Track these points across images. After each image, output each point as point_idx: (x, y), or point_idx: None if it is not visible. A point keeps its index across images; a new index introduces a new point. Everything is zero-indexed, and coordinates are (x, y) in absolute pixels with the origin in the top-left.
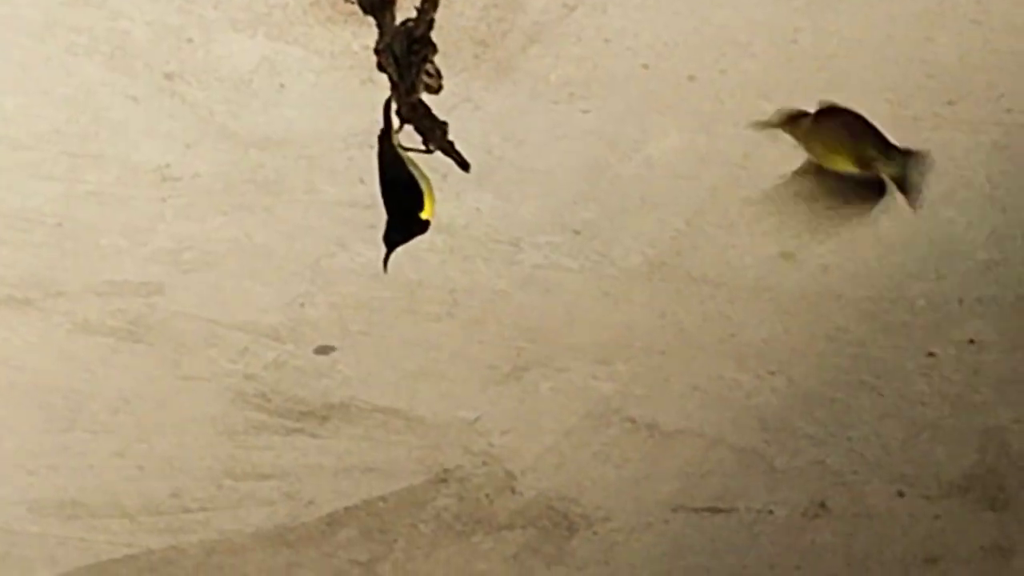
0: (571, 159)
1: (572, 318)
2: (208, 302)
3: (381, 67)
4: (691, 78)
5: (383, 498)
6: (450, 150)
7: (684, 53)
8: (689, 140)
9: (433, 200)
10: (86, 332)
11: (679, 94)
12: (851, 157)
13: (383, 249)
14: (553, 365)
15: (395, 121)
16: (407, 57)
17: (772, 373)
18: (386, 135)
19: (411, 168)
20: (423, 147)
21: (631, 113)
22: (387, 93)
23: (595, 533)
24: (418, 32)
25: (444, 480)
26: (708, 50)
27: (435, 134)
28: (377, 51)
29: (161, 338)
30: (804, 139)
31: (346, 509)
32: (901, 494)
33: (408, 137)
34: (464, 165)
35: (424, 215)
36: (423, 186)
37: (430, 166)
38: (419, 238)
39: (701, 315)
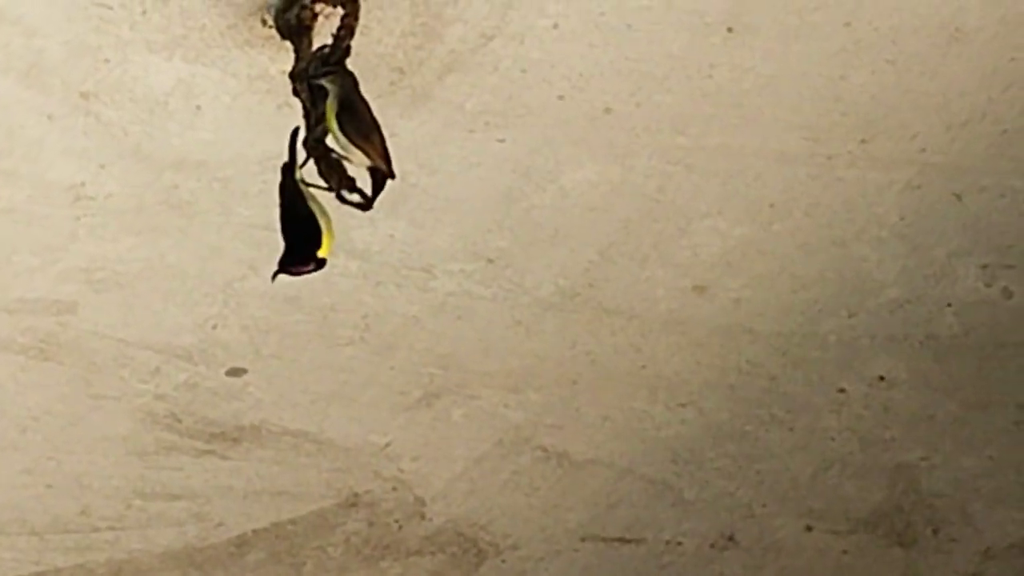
0: (486, 188)
1: (484, 346)
2: (120, 322)
3: (296, 92)
4: (606, 110)
5: (292, 521)
6: (348, 193)
7: (600, 85)
8: (603, 172)
9: (332, 238)
10: None
11: (594, 126)
12: None
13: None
14: (465, 392)
15: (300, 154)
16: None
17: (683, 405)
18: (289, 168)
19: (312, 205)
20: (325, 184)
21: (546, 144)
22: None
23: (504, 561)
24: (333, 59)
25: (354, 504)
26: (624, 83)
27: (335, 177)
28: (292, 77)
29: (72, 357)
30: None
31: (255, 532)
32: (809, 528)
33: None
34: (364, 206)
35: (321, 253)
36: (322, 224)
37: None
38: (332, 263)
39: (613, 346)
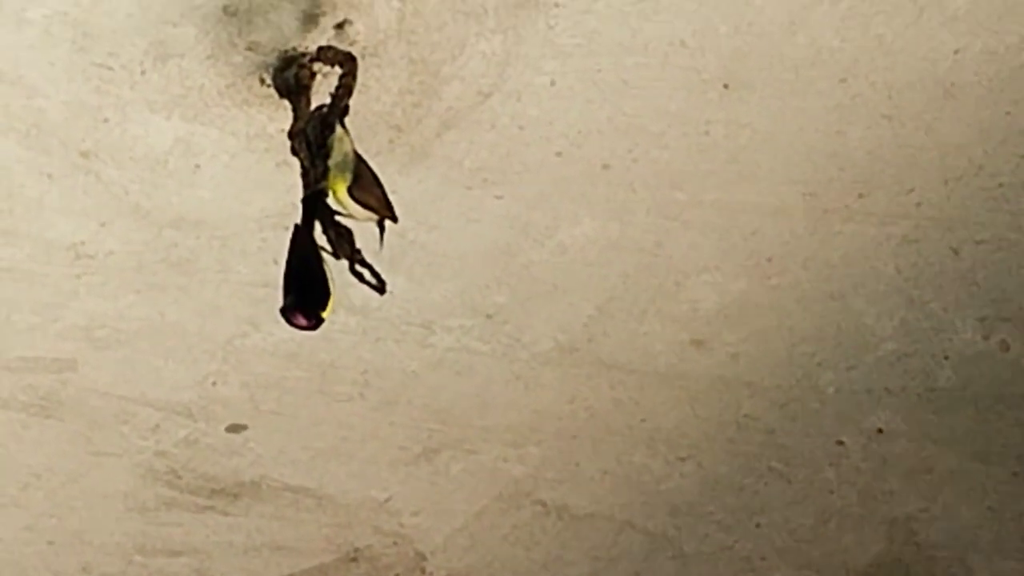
0: (484, 244)
1: (483, 401)
2: (120, 379)
3: (295, 151)
4: (604, 166)
5: None
6: (360, 270)
7: (597, 142)
8: (601, 227)
9: (333, 302)
10: None
11: (592, 182)
12: None
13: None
14: (464, 447)
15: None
16: (320, 143)
17: (682, 459)
18: (308, 228)
19: (326, 268)
20: (330, 250)
21: (544, 200)
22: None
23: None
24: (332, 118)
25: (354, 559)
26: (621, 139)
27: (344, 247)
28: (291, 135)
29: (73, 414)
30: None
31: None
32: None
33: None
34: (379, 290)
35: (324, 314)
36: (331, 286)
37: None
38: (331, 319)
39: (612, 400)
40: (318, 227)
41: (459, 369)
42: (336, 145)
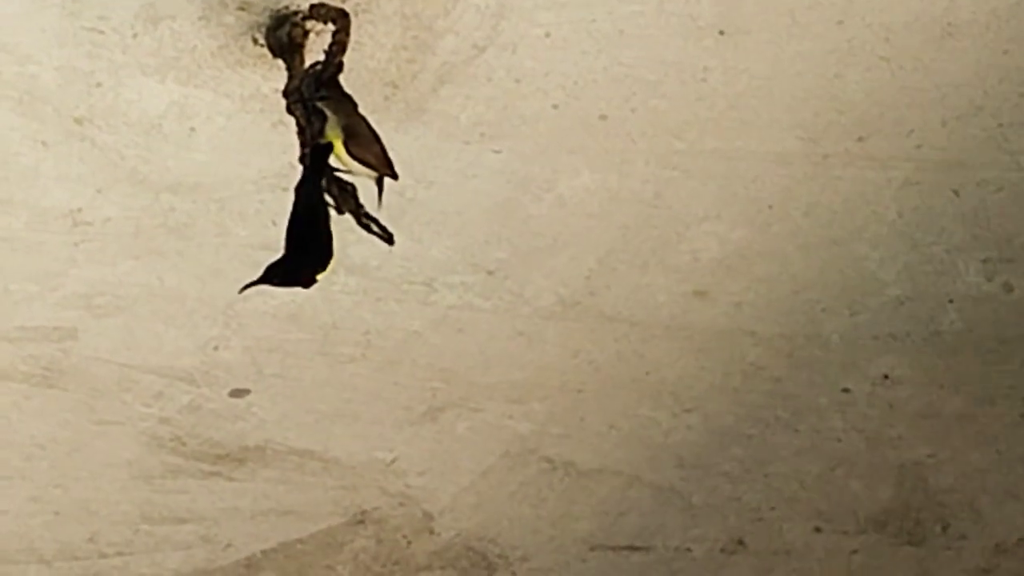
0: (483, 199)
1: (487, 358)
2: (121, 346)
3: (290, 110)
4: (602, 117)
5: (300, 540)
6: (367, 222)
7: (594, 93)
8: (600, 179)
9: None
10: None
11: (590, 133)
12: None
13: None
14: (468, 405)
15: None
16: (315, 100)
17: (688, 411)
18: (315, 182)
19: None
20: (333, 205)
21: (542, 153)
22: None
23: (513, 573)
24: (326, 75)
25: (361, 521)
26: (618, 89)
27: (349, 202)
28: (286, 94)
29: (75, 383)
30: None
31: (263, 552)
32: (818, 530)
33: None
34: (389, 240)
35: (320, 276)
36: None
37: None
38: (331, 279)
39: (616, 354)
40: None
41: (461, 327)
42: (330, 109)
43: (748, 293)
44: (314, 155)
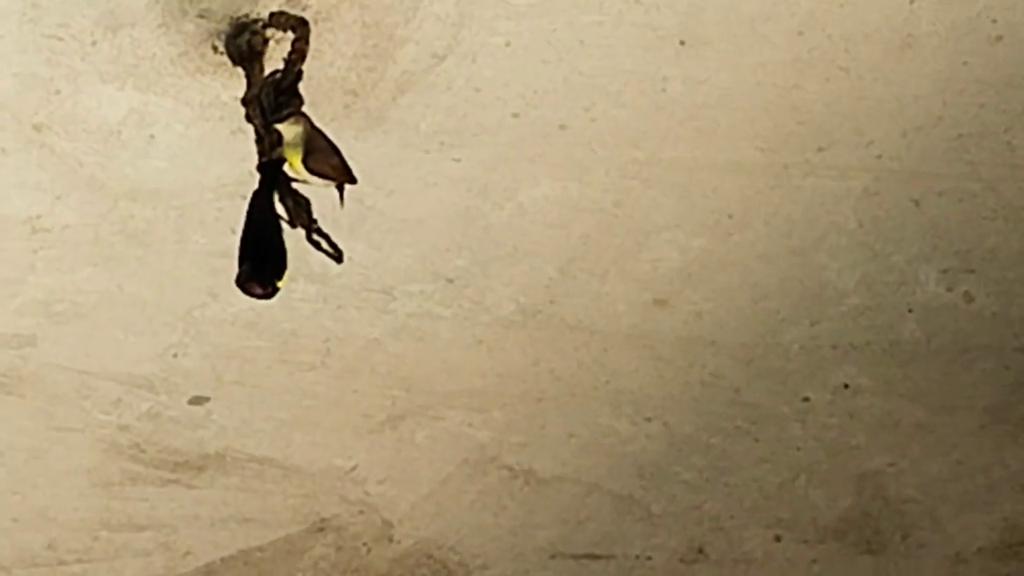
0: (443, 208)
1: (447, 366)
2: (80, 353)
3: (249, 118)
4: (562, 127)
5: (260, 548)
6: (318, 239)
7: (554, 102)
8: (561, 188)
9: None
10: None
11: (550, 142)
12: None
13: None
14: (428, 413)
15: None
16: (274, 109)
17: (648, 419)
18: (268, 197)
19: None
20: (287, 218)
21: (502, 162)
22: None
23: None
24: (285, 84)
25: (321, 529)
26: (578, 99)
27: (302, 216)
28: (244, 103)
29: (33, 390)
30: None
31: (223, 560)
32: (778, 538)
33: None
34: (337, 259)
35: (280, 283)
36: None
37: None
38: (291, 288)
39: (576, 362)
40: (276, 196)
41: (421, 335)
42: (286, 128)
43: (708, 302)
44: (265, 170)
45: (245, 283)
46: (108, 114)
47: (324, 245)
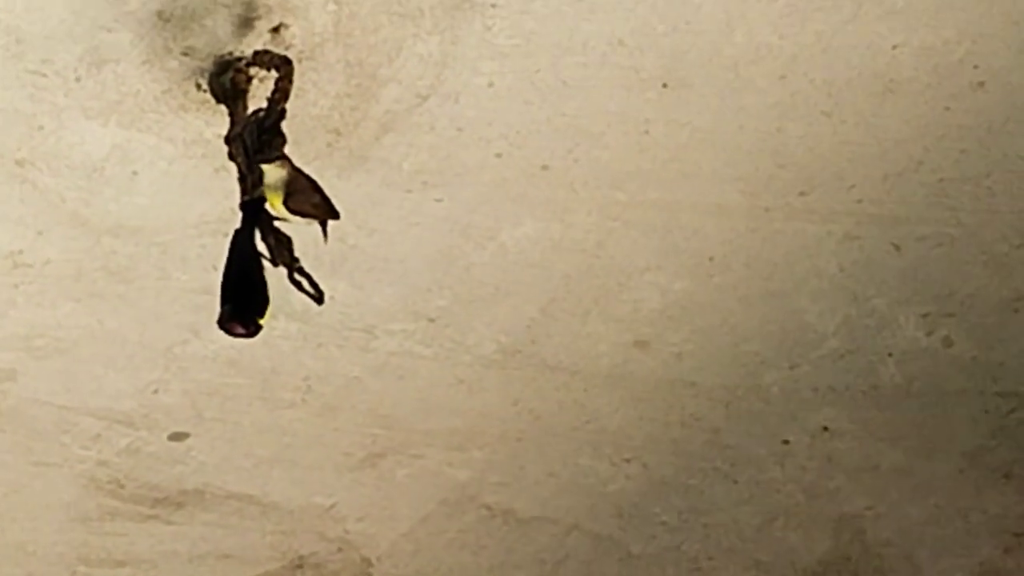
0: (425, 247)
1: (427, 405)
2: (61, 388)
3: (232, 156)
4: (544, 167)
5: None
6: (299, 278)
7: (537, 143)
8: (542, 228)
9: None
10: None
11: (532, 183)
12: None
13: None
14: (408, 452)
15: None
16: (257, 148)
17: (627, 460)
18: (249, 235)
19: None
20: (269, 257)
21: (484, 202)
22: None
23: None
24: (268, 122)
25: (300, 566)
26: (561, 140)
27: (284, 255)
28: (228, 140)
29: (13, 424)
30: None
31: None
32: None
33: None
34: (318, 300)
35: (262, 321)
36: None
37: None
38: (272, 325)
39: (556, 402)
40: (257, 234)
41: (402, 373)
42: (268, 171)
43: (688, 344)
44: (247, 209)
45: (227, 323)
46: (91, 150)
47: (305, 285)
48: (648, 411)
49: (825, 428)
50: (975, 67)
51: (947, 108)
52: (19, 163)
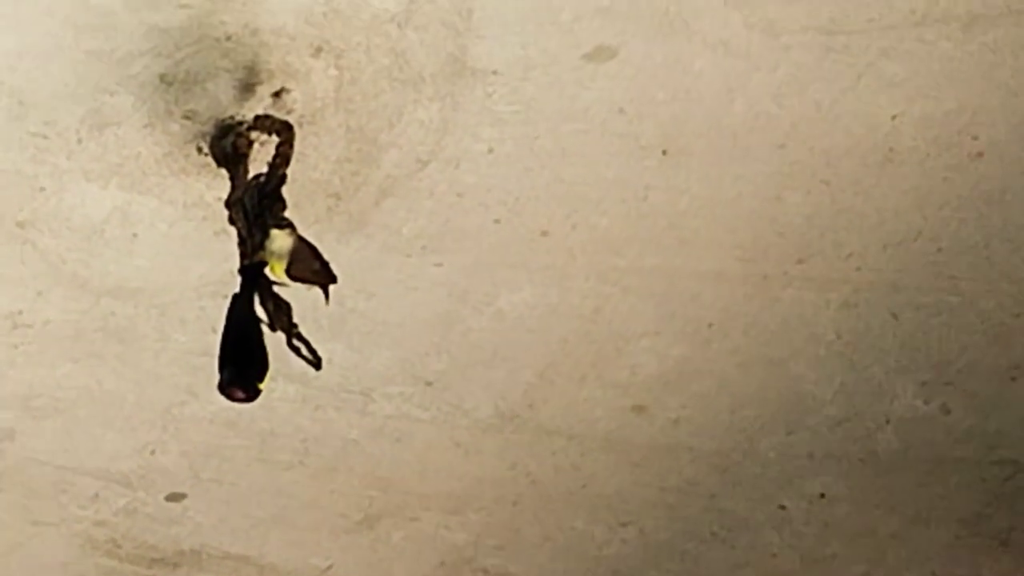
0: (423, 311)
1: (424, 468)
2: (59, 448)
3: (232, 220)
4: (543, 233)
5: None
6: (298, 344)
7: (535, 208)
8: (541, 294)
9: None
10: None
11: (531, 248)
12: None
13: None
14: (405, 515)
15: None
16: (258, 212)
17: (624, 524)
18: (248, 300)
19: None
20: (267, 322)
21: (483, 267)
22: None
23: None
24: (269, 187)
25: None
26: (559, 206)
27: (282, 320)
28: (228, 205)
29: (11, 484)
30: None
31: None
32: None
33: None
34: (316, 366)
35: (261, 386)
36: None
37: None
38: (271, 387)
39: (553, 467)
40: (256, 298)
41: (399, 436)
42: (276, 237)
43: (686, 409)
44: (247, 274)
45: (227, 388)
46: (92, 212)
47: (304, 351)
48: (645, 476)
49: (822, 494)
50: (974, 138)
51: (945, 178)
52: (20, 224)
